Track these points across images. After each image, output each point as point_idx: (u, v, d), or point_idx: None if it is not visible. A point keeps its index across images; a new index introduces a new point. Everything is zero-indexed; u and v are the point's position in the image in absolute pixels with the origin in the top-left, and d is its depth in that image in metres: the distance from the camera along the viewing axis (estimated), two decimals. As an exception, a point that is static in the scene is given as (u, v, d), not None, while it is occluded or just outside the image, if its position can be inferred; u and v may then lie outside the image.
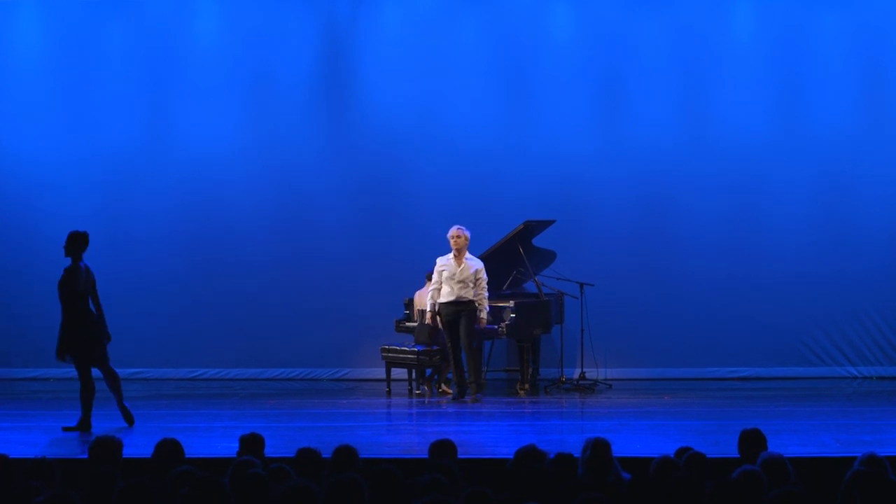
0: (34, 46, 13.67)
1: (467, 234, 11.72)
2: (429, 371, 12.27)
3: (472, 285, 11.59)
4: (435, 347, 12.00)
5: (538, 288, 12.36)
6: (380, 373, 12.50)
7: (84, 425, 9.80)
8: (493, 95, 13.51)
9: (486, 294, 11.64)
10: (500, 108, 13.50)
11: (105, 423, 10.03)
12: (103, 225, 13.43)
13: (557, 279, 12.58)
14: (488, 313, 11.90)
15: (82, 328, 9.88)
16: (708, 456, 6.06)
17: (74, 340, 9.86)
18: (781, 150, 13.39)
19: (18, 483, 5.46)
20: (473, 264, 11.65)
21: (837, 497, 5.29)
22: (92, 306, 9.96)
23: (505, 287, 12.61)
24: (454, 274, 11.63)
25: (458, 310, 11.60)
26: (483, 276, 11.64)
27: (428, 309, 11.78)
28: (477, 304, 11.58)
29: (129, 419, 10.00)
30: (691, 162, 13.38)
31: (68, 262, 9.97)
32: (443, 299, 11.65)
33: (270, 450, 6.69)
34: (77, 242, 9.98)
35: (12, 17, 13.65)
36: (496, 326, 12.02)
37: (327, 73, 13.60)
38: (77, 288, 9.84)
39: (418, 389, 12.15)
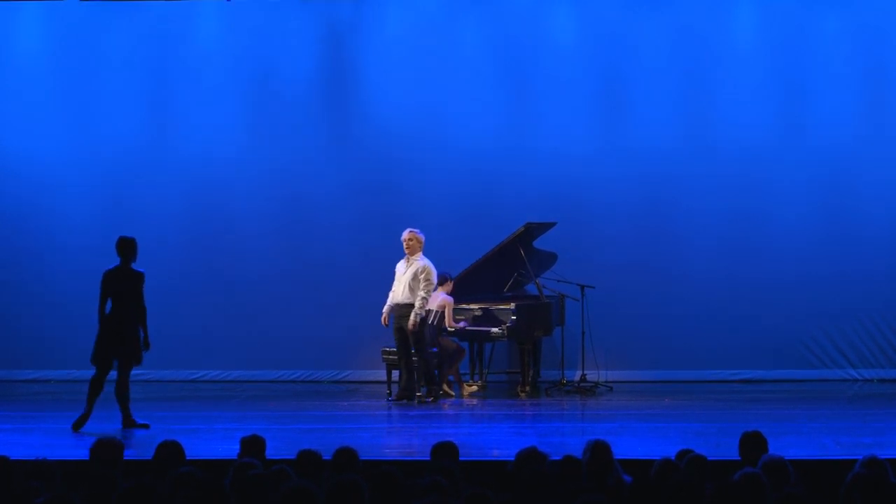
0: (37, 46, 13.67)
1: (420, 236, 11.73)
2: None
3: (415, 287, 11.58)
4: (434, 350, 12.00)
5: (539, 290, 12.36)
6: (380, 375, 12.48)
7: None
8: (494, 97, 13.51)
9: (426, 292, 11.55)
10: (502, 110, 13.51)
11: (107, 424, 10.03)
12: (104, 226, 13.41)
13: (558, 281, 12.58)
14: (490, 315, 11.95)
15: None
16: (709, 458, 6.06)
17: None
18: (782, 152, 13.38)
19: (18, 484, 5.46)
20: (417, 265, 11.63)
21: (838, 499, 5.28)
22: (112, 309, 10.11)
23: (506, 289, 12.61)
24: (399, 276, 11.71)
25: (399, 314, 11.63)
26: (425, 276, 11.56)
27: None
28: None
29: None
30: (692, 164, 13.37)
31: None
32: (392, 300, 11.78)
33: (271, 451, 6.68)
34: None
35: (15, 17, 13.65)
36: (493, 329, 12.05)
37: (328, 75, 13.61)
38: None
39: (419, 391, 12.14)
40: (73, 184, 13.55)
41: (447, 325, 12.09)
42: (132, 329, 10.06)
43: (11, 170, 13.58)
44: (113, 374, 10.17)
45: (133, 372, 13.17)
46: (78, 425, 9.92)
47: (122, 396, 10.10)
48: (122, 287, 10.04)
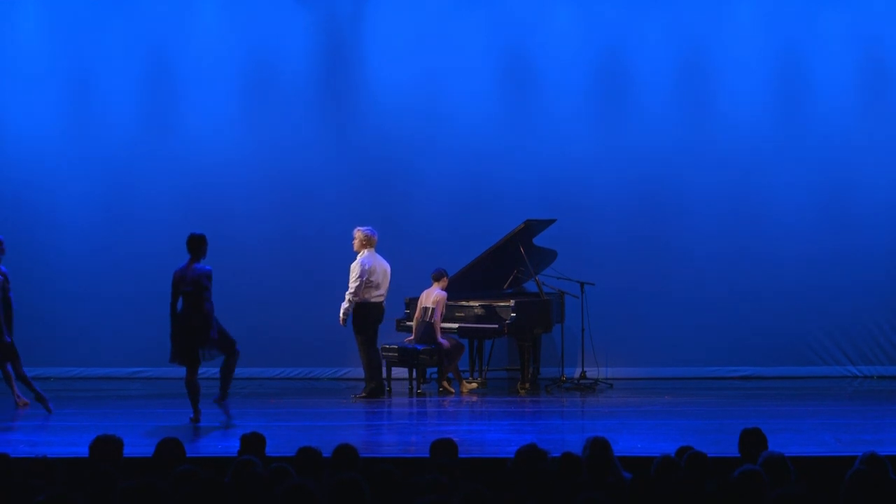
0: (36, 41, 13.65)
1: (363, 233, 11.83)
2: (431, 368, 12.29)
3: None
4: (434, 346, 12.01)
5: (539, 287, 12.36)
6: (380, 372, 12.49)
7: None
8: (495, 94, 13.51)
9: (349, 293, 11.68)
10: (502, 107, 13.51)
11: (106, 422, 10.03)
12: (104, 224, 13.46)
13: (558, 278, 12.58)
14: (490, 312, 11.98)
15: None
16: (709, 455, 6.06)
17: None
18: (783, 150, 13.38)
19: (19, 482, 5.46)
20: (353, 263, 11.76)
21: (838, 496, 5.28)
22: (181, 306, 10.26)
23: (506, 286, 12.61)
24: None
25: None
26: (354, 273, 11.70)
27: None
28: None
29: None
30: (693, 161, 13.37)
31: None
32: None
33: (271, 449, 6.69)
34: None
35: (14, 6, 13.65)
36: (492, 326, 12.06)
37: (328, 74, 13.60)
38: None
39: (419, 389, 12.15)
40: (72, 183, 13.53)
41: (435, 319, 12.00)
42: (201, 325, 10.14)
43: (9, 169, 13.58)
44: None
45: (133, 369, 13.29)
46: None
47: (193, 390, 10.34)
48: (185, 284, 10.13)
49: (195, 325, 10.12)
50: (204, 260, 10.23)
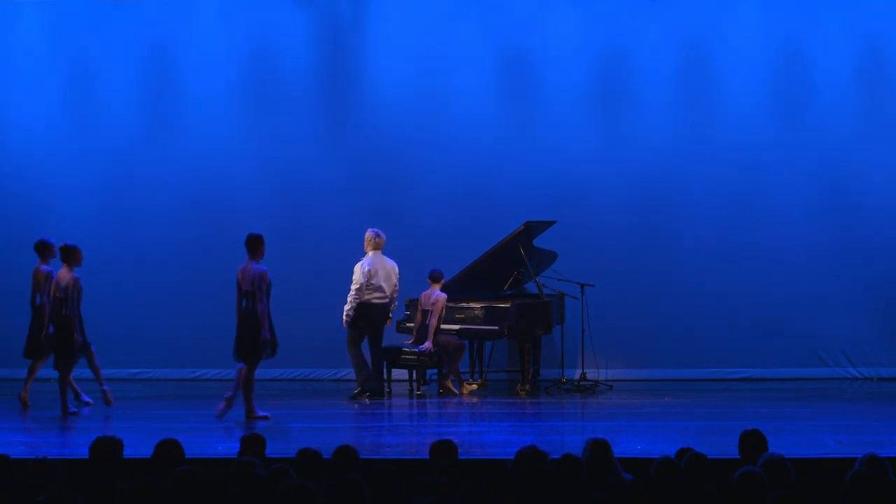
0: (36, 39, 13.66)
1: (368, 235, 11.92)
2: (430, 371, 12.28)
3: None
4: (435, 350, 12.00)
5: (539, 288, 12.35)
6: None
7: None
8: (494, 95, 13.51)
9: (351, 294, 11.79)
10: (502, 108, 13.50)
11: (106, 423, 10.03)
12: (104, 225, 13.46)
13: (558, 280, 12.58)
14: (490, 313, 11.98)
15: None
16: (709, 457, 6.06)
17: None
18: (784, 151, 13.37)
19: (19, 483, 5.46)
20: (357, 264, 11.84)
21: (839, 498, 5.28)
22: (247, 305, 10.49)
23: (506, 288, 12.61)
24: None
25: None
26: (354, 276, 11.77)
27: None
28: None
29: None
30: (693, 162, 13.37)
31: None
32: None
33: (271, 450, 6.69)
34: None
35: (15, 8, 13.66)
36: (493, 328, 12.05)
37: (328, 74, 13.60)
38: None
39: (419, 390, 12.15)
40: (72, 183, 13.53)
41: (430, 322, 11.99)
42: (253, 324, 10.37)
43: (9, 168, 13.59)
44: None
45: (133, 370, 13.27)
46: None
47: (246, 389, 10.46)
48: (245, 284, 10.44)
49: (250, 323, 10.35)
50: (263, 260, 10.53)
